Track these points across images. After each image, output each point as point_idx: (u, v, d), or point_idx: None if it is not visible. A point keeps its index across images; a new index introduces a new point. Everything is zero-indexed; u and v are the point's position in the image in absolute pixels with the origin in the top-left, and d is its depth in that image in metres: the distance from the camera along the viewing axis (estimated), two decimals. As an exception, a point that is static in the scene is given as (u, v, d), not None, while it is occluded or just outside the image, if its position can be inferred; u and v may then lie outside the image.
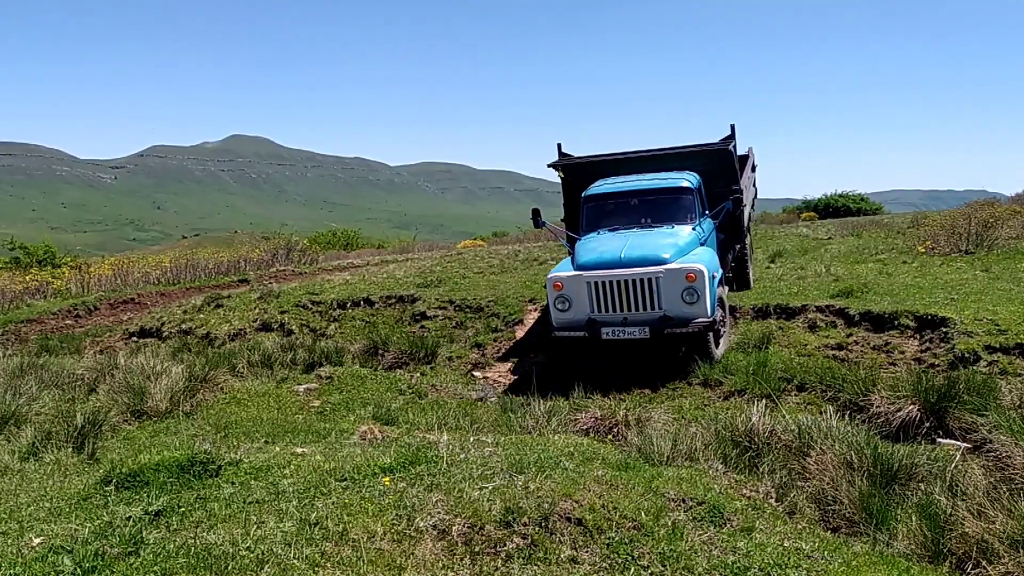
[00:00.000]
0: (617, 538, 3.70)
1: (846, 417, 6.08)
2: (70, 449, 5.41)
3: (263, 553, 3.22)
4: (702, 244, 9.68)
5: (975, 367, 7.58)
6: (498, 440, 5.22)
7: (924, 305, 9.59)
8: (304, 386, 8.47)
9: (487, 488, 3.97)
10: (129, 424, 6.78)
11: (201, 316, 13.90)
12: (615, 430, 6.49)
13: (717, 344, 9.08)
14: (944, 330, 8.63)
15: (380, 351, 10.89)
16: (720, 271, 9.56)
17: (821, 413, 6.12)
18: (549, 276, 9.40)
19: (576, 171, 11.69)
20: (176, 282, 20.63)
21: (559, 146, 11.76)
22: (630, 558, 3.58)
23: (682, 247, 9.19)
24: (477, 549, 3.48)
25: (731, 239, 11.48)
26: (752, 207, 13.31)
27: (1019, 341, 7.85)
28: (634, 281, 8.80)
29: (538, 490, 3.97)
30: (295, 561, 3.19)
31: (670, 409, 7.72)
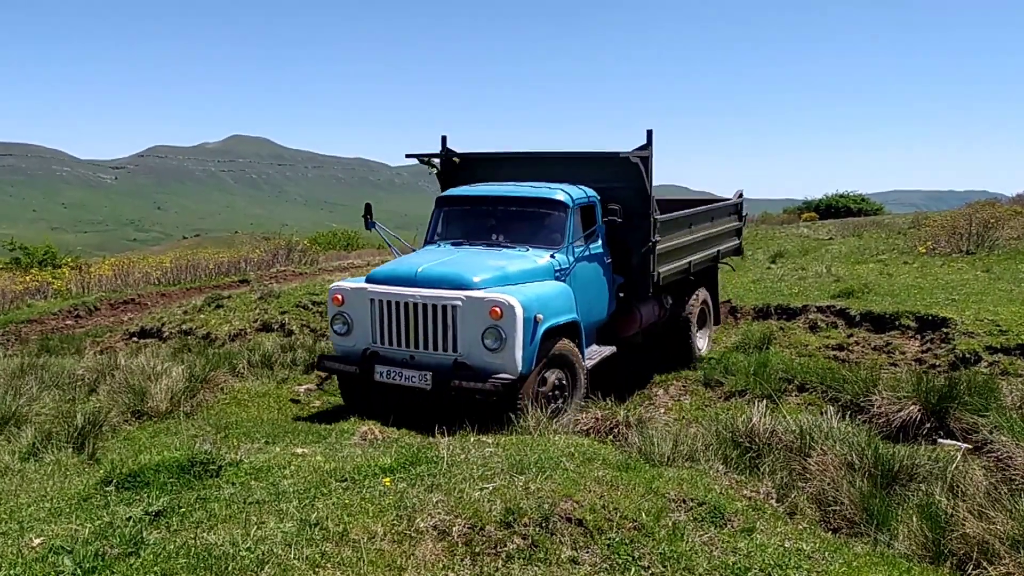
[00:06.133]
0: (618, 539, 3.70)
1: (847, 418, 6.07)
2: (70, 449, 5.41)
3: (263, 553, 3.22)
4: (560, 278, 7.26)
5: (976, 368, 7.58)
6: (498, 440, 5.22)
7: (925, 306, 9.60)
8: (304, 386, 8.47)
9: (487, 488, 3.97)
10: (129, 424, 6.78)
11: (201, 316, 13.91)
12: (616, 430, 6.49)
13: (525, 413, 6.22)
14: (945, 330, 8.63)
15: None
16: (569, 317, 7.02)
17: (822, 413, 6.11)
18: (331, 287, 7.36)
19: (449, 169, 9.19)
20: (176, 282, 20.65)
21: (443, 139, 9.15)
22: (631, 559, 3.57)
23: (511, 274, 6.85)
24: (477, 549, 3.48)
25: (635, 283, 8.33)
26: (717, 256, 10.16)
27: (1020, 342, 7.85)
28: (425, 307, 6.62)
29: (539, 490, 3.96)
30: (295, 561, 3.19)
31: (670, 410, 7.73)
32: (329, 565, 3.20)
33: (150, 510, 3.64)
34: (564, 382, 7.00)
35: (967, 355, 7.90)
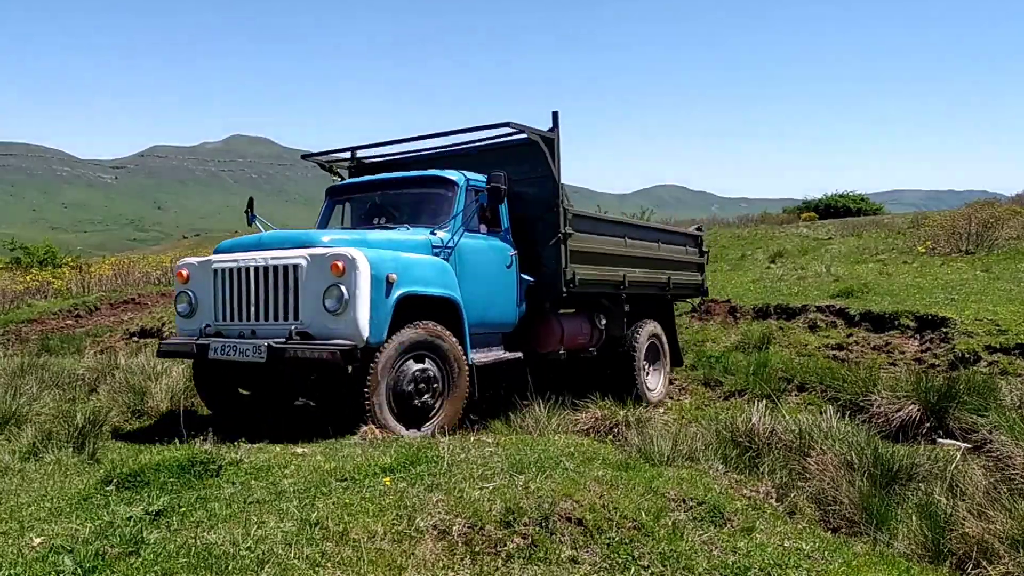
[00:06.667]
0: (617, 538, 3.71)
1: (846, 417, 6.08)
2: (70, 449, 5.41)
3: (264, 553, 3.22)
4: (440, 255, 6.49)
5: (975, 367, 7.59)
6: (498, 440, 5.23)
7: (924, 305, 9.60)
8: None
9: (487, 488, 3.97)
10: (130, 424, 6.79)
11: (201, 316, 13.90)
12: (615, 430, 6.49)
13: (380, 408, 5.64)
14: (944, 330, 8.63)
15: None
16: (440, 291, 6.22)
17: (821, 413, 6.12)
18: (178, 263, 6.77)
19: (357, 170, 8.73)
20: (176, 282, 20.64)
21: (352, 152, 8.63)
22: (630, 558, 3.58)
23: (371, 241, 6.13)
24: (477, 549, 3.49)
25: (546, 285, 7.38)
26: (668, 284, 9.23)
27: (1019, 341, 7.86)
28: (267, 270, 5.93)
29: (538, 490, 3.97)
30: (295, 561, 3.19)
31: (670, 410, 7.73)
32: (329, 564, 3.20)
33: (150, 509, 3.64)
34: (433, 375, 6.03)
35: (966, 355, 7.90)
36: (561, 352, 7.80)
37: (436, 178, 7.14)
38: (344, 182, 8.14)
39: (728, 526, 4.07)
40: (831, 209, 33.76)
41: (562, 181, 7.34)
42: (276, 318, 5.90)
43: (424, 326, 6.01)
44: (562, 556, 3.52)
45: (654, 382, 8.89)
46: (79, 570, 3.09)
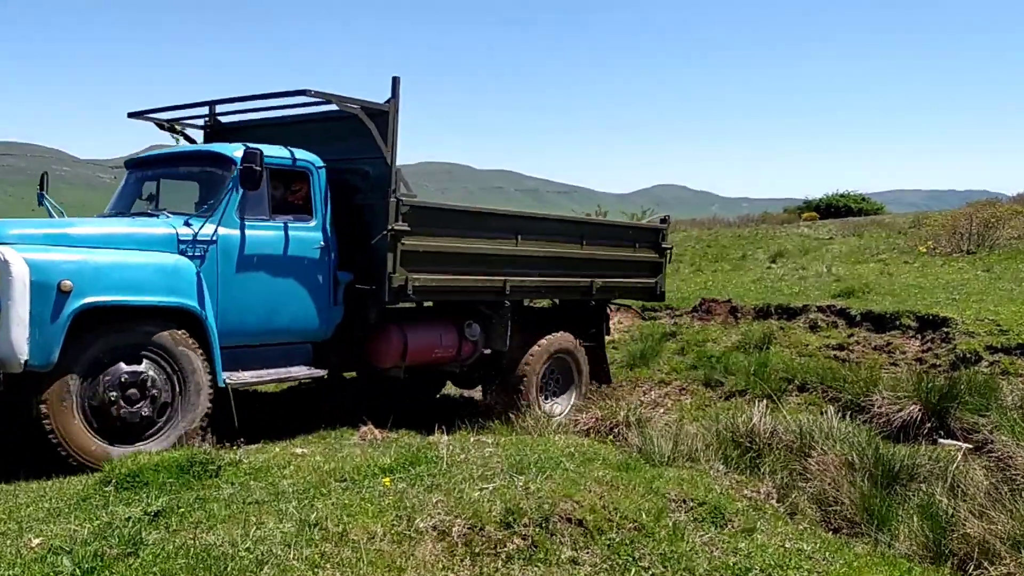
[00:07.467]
0: (618, 539, 3.70)
1: (847, 417, 6.07)
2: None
3: (263, 554, 3.22)
4: (191, 253, 5.37)
5: (976, 367, 7.57)
6: (498, 440, 5.21)
7: (925, 305, 9.58)
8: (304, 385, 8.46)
9: (487, 489, 3.96)
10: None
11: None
12: (616, 430, 6.48)
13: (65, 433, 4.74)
14: (945, 330, 8.62)
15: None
16: (166, 300, 5.15)
17: (822, 413, 6.12)
18: None
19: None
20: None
21: (211, 106, 7.18)
22: (631, 559, 3.57)
23: (75, 237, 5.11)
24: (477, 550, 3.48)
25: (367, 290, 6.22)
26: (591, 289, 7.73)
27: (1021, 341, 7.84)
28: None
29: (538, 491, 3.96)
30: (295, 562, 3.18)
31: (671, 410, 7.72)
32: (328, 565, 3.20)
33: (149, 510, 3.64)
34: (153, 381, 5.07)
35: (968, 355, 7.89)
36: (402, 370, 6.56)
37: (209, 154, 6.14)
38: (134, 157, 6.83)
39: (729, 527, 4.06)
40: (832, 209, 33.74)
41: (398, 163, 6.09)
42: None
43: (158, 333, 5.11)
44: (562, 557, 3.51)
45: (559, 407, 7.55)
46: (78, 571, 3.08)
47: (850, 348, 9.19)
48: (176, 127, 7.45)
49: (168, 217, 5.64)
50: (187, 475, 4.21)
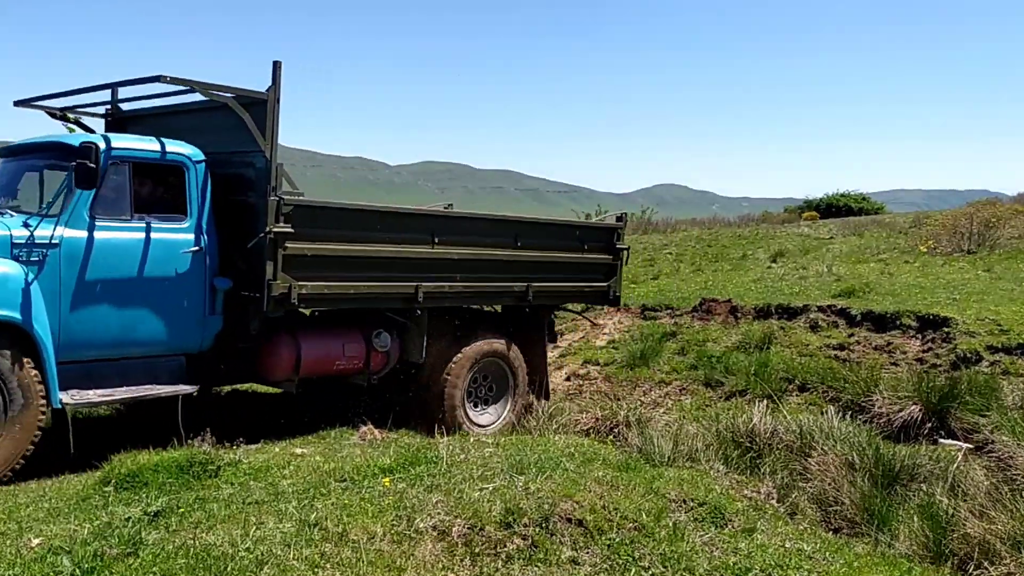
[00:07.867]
0: (618, 539, 3.70)
1: (848, 417, 6.07)
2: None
3: (262, 554, 3.22)
4: (25, 257, 4.83)
5: (977, 367, 7.56)
6: (498, 441, 5.21)
7: (926, 305, 9.57)
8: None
9: (487, 489, 3.96)
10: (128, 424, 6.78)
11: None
12: (616, 430, 6.48)
13: None
14: (946, 330, 8.61)
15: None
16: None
17: (822, 413, 6.12)
18: None
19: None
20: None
21: (113, 90, 6.49)
22: (631, 559, 3.57)
23: None
24: (477, 550, 3.48)
25: (248, 298, 5.63)
26: (527, 293, 7.03)
27: (1021, 341, 7.84)
28: None
29: (538, 491, 3.96)
30: (294, 562, 3.18)
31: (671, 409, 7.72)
32: (328, 565, 3.20)
33: (149, 510, 3.64)
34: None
35: (968, 355, 7.88)
36: (295, 383, 6.09)
37: (54, 145, 5.54)
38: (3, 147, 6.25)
39: (729, 527, 4.05)
40: (832, 208, 33.75)
41: (279, 159, 5.54)
42: None
43: None
44: (562, 557, 3.51)
45: (494, 413, 7.07)
46: (77, 571, 3.08)
47: (850, 348, 9.18)
48: (69, 116, 6.74)
49: (12, 216, 5.09)
50: (187, 475, 4.21)
